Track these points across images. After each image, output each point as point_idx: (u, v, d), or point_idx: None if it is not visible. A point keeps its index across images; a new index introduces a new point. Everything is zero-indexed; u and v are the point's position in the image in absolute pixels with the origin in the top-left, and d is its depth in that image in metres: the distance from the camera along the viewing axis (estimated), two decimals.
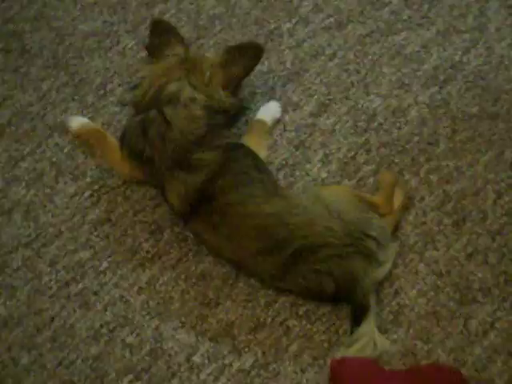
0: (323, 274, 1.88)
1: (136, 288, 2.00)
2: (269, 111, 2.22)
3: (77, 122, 2.23)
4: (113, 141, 2.16)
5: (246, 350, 1.91)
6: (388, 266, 1.95)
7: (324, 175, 2.14)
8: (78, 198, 2.14)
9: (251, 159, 2.02)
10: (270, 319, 1.94)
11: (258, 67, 2.15)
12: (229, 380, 1.87)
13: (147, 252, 2.05)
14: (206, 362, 1.90)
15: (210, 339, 1.93)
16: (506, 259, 1.99)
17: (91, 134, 2.21)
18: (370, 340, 1.85)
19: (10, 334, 1.96)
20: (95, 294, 2.00)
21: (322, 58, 2.35)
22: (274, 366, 1.89)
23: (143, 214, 2.10)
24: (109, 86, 2.32)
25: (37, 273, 2.04)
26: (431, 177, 2.12)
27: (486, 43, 2.35)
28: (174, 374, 1.89)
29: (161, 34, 2.15)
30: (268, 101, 2.25)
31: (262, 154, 2.12)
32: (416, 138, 2.18)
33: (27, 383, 1.90)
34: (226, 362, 1.90)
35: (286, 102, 2.26)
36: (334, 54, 2.35)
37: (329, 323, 1.93)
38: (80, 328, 1.96)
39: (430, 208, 2.07)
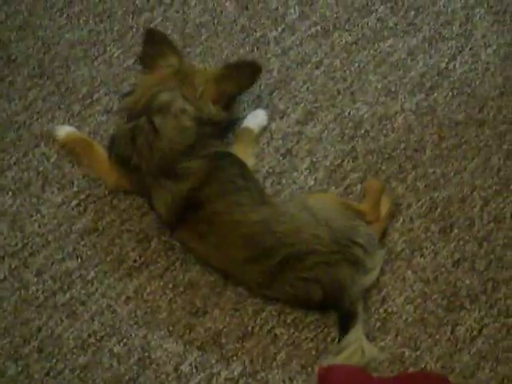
0: (310, 282, 1.88)
1: (123, 297, 2.00)
2: (255, 119, 2.22)
3: (63, 131, 2.22)
4: (100, 149, 2.16)
5: (234, 358, 1.90)
6: (375, 273, 1.95)
7: (311, 183, 2.14)
8: (64, 207, 2.13)
9: (238, 168, 2.01)
10: (257, 327, 1.94)
11: None
12: None
13: (134, 261, 2.04)
14: (194, 371, 1.90)
15: (198, 348, 1.92)
16: (493, 266, 1.99)
17: (78, 143, 2.20)
18: (357, 347, 1.85)
19: None
20: (82, 303, 1.99)
21: (309, 65, 2.35)
22: (263, 374, 1.88)
23: (130, 223, 2.10)
24: (95, 95, 2.32)
25: (23, 283, 2.02)
26: (418, 184, 2.12)
27: (472, 50, 2.35)
28: None
29: (154, 44, 2.15)
30: (255, 109, 2.24)
31: (250, 162, 2.11)
32: (403, 145, 2.19)
33: None
34: (214, 370, 1.89)
35: (273, 110, 2.26)
36: (321, 62, 2.35)
37: (316, 331, 1.93)
38: (67, 338, 1.95)
39: (416, 215, 2.07)
